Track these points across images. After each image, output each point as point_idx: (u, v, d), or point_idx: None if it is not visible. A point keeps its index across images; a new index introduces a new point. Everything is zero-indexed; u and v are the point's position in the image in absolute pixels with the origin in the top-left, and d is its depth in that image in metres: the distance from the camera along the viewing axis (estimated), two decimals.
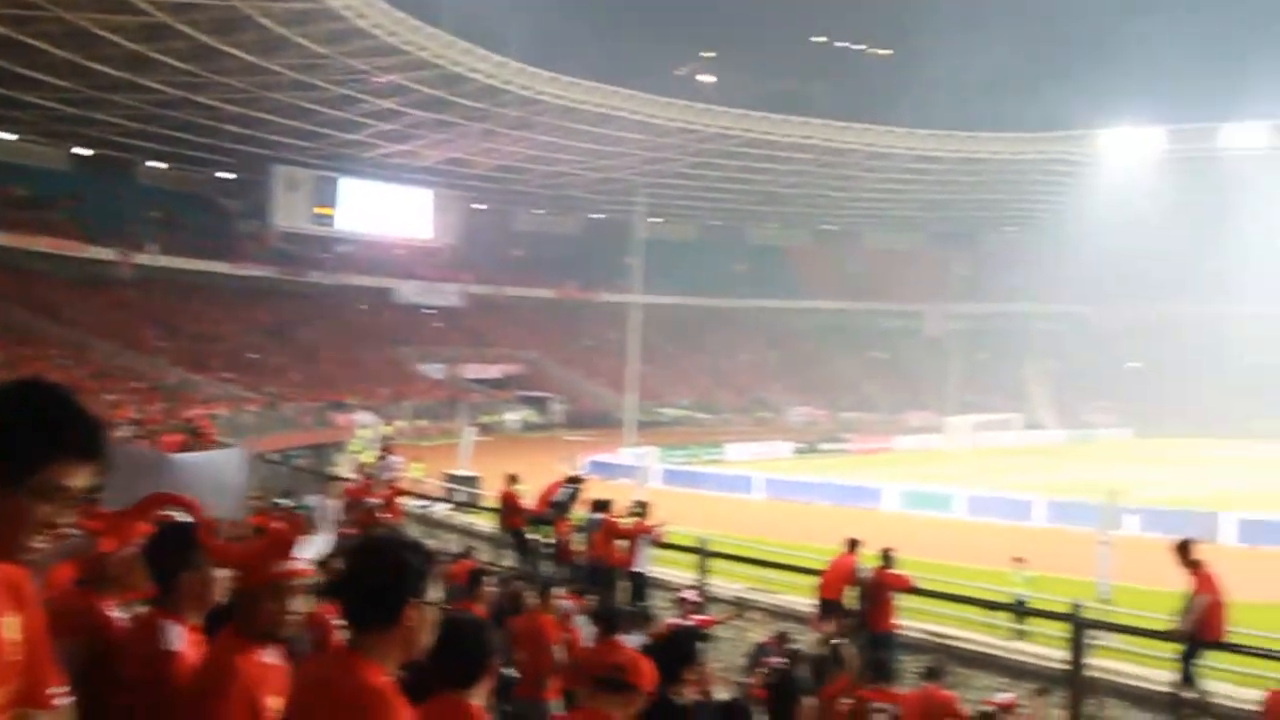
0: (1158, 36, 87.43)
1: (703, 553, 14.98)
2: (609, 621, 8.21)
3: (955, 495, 36.71)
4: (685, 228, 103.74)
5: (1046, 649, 12.63)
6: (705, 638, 9.34)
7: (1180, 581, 10.97)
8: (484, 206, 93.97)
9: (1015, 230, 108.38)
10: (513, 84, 67.71)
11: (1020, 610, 16.31)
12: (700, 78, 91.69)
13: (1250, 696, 11.36)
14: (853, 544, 12.93)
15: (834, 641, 9.77)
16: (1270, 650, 10.89)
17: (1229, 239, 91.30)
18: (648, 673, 4.18)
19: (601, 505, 15.61)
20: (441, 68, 63.11)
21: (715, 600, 14.25)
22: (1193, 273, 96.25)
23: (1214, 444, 74.32)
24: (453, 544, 18.14)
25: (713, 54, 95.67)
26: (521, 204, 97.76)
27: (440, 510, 24.19)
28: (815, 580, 13.00)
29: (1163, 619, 11.55)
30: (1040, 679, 11.92)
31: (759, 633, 12.31)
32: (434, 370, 74.76)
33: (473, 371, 77.36)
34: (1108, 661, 13.45)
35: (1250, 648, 10.90)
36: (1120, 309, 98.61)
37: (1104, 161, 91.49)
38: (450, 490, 30.35)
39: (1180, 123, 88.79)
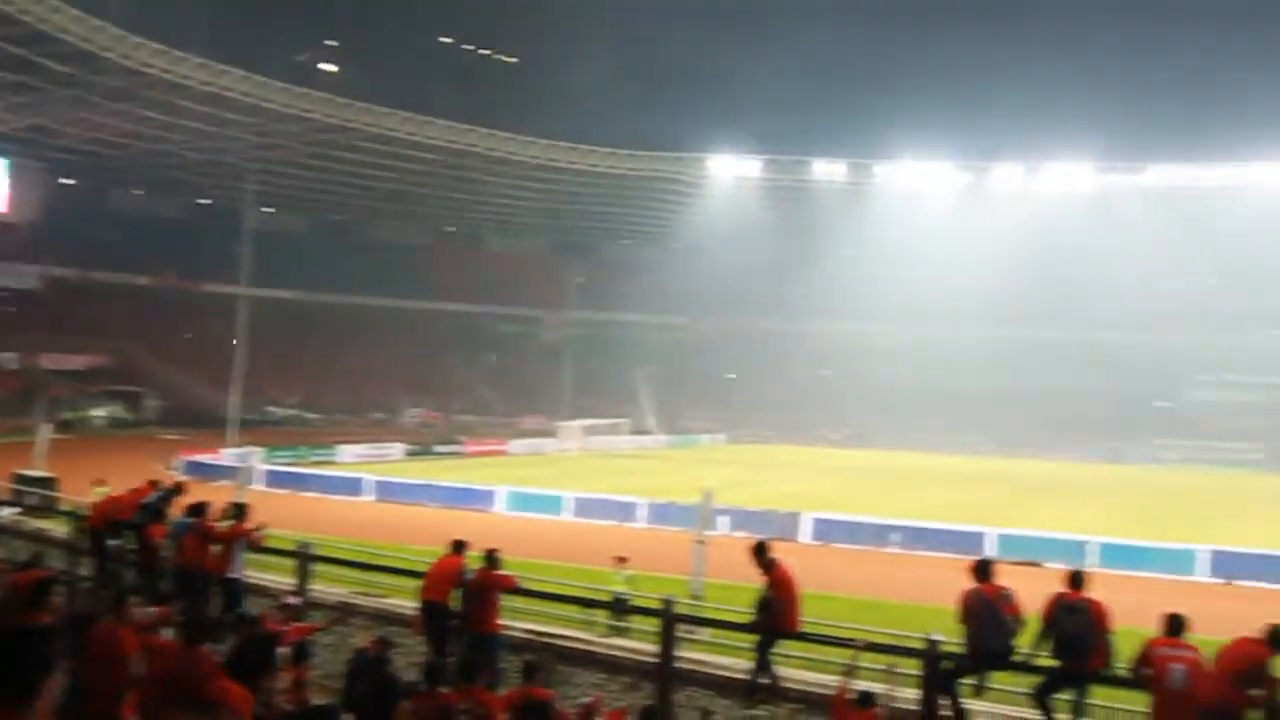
0: (765, 73, 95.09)
1: (304, 557, 14.28)
2: (194, 631, 7.92)
3: (564, 497, 37.60)
4: (300, 220, 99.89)
5: (643, 644, 13.06)
6: (278, 643, 8.95)
7: (758, 578, 11.71)
8: (72, 182, 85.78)
9: (630, 243, 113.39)
10: (112, 51, 62.00)
11: (618, 608, 16.84)
12: (322, 66, 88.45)
13: (820, 680, 12.33)
14: (458, 545, 12.77)
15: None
16: (836, 638, 11.84)
17: (814, 263, 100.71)
18: (235, 691, 3.82)
19: (196, 509, 14.55)
20: (26, 24, 56.68)
21: (317, 606, 13.65)
22: (783, 292, 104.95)
23: (796, 450, 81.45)
24: (21, 552, 16.46)
25: (336, 43, 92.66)
26: (119, 183, 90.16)
27: (6, 514, 21.74)
28: (420, 583, 12.73)
29: (746, 613, 12.27)
30: (635, 673, 12.33)
31: (361, 638, 11.89)
32: (5, 360, 67.24)
33: (52, 362, 70.27)
34: (698, 654, 14.17)
35: (819, 636, 11.79)
36: (721, 322, 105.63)
37: (710, 184, 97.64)
38: (20, 493, 27.26)
39: (777, 153, 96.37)
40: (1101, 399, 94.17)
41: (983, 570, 10.49)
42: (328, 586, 15.21)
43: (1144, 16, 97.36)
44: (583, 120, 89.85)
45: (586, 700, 9.52)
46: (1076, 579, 10.27)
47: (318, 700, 9.13)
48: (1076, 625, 9.79)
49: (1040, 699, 9.91)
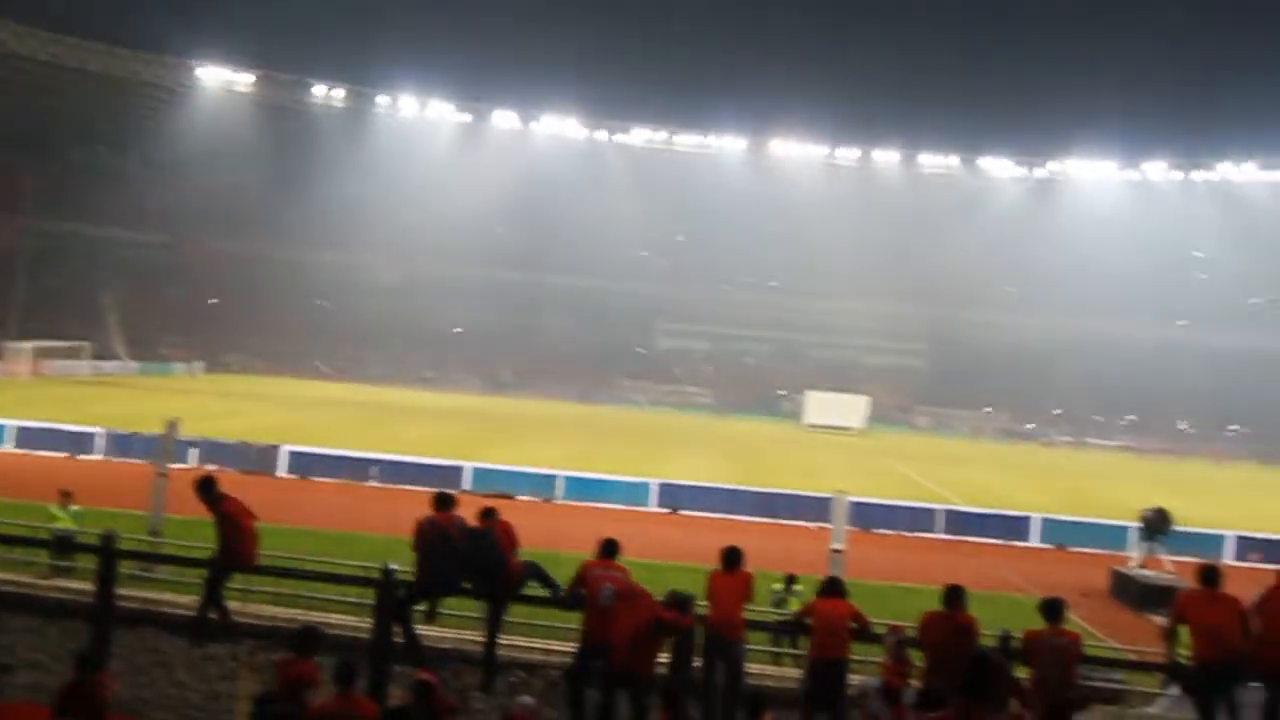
0: None
1: None
2: None
3: (4, 426, 33.45)
4: None
5: (91, 584, 11.96)
6: None
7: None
8: None
9: (104, 150, 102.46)
10: None
11: (59, 547, 15.35)
12: None
13: (285, 615, 12.01)
14: None
15: None
16: (299, 570, 11.58)
17: (311, 189, 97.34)
18: None
19: None
20: None
21: None
22: (277, 217, 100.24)
23: (284, 382, 78.86)
24: None
25: None
26: None
27: None
28: None
29: (207, 548, 11.63)
30: (78, 617, 11.26)
31: None
32: None
33: None
34: (154, 593, 13.25)
35: (279, 569, 11.46)
36: (206, 244, 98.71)
37: (199, 94, 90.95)
38: None
39: (274, 70, 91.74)
40: (581, 343, 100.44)
41: (442, 501, 10.72)
42: None
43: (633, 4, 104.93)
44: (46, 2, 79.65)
45: None
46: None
47: None
48: (480, 548, 10.32)
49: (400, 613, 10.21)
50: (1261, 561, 23.75)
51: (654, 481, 32.49)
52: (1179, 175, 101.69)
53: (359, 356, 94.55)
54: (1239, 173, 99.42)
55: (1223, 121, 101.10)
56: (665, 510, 30.75)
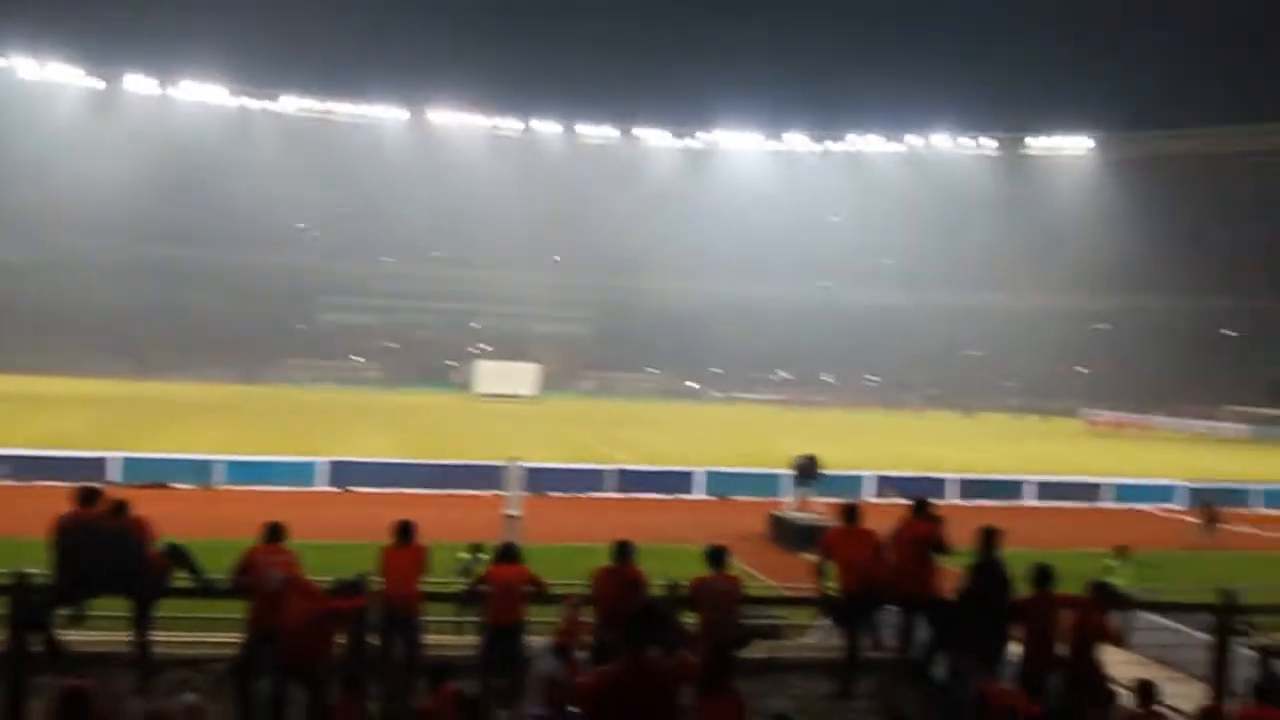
0: None
1: None
2: None
3: None
4: None
5: None
6: None
7: None
8: None
9: None
10: None
11: None
12: None
13: None
14: None
15: None
16: None
17: None
18: None
19: None
20: None
21: None
22: None
23: None
24: None
25: None
26: None
27: None
28: None
29: None
30: None
31: None
32: None
33: None
34: None
35: None
36: None
37: None
38: None
39: None
40: (239, 321, 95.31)
41: (86, 497, 9.93)
42: None
43: None
44: None
45: None
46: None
47: None
48: (114, 544, 9.62)
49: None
50: (897, 498, 26.08)
51: (322, 460, 31.46)
52: (818, 145, 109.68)
53: None
54: (868, 143, 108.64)
55: (853, 96, 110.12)
56: (335, 489, 29.88)
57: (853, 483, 30.34)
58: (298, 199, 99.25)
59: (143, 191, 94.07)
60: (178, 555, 9.81)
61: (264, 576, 9.12)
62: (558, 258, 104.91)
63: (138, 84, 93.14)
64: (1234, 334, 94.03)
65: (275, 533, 9.62)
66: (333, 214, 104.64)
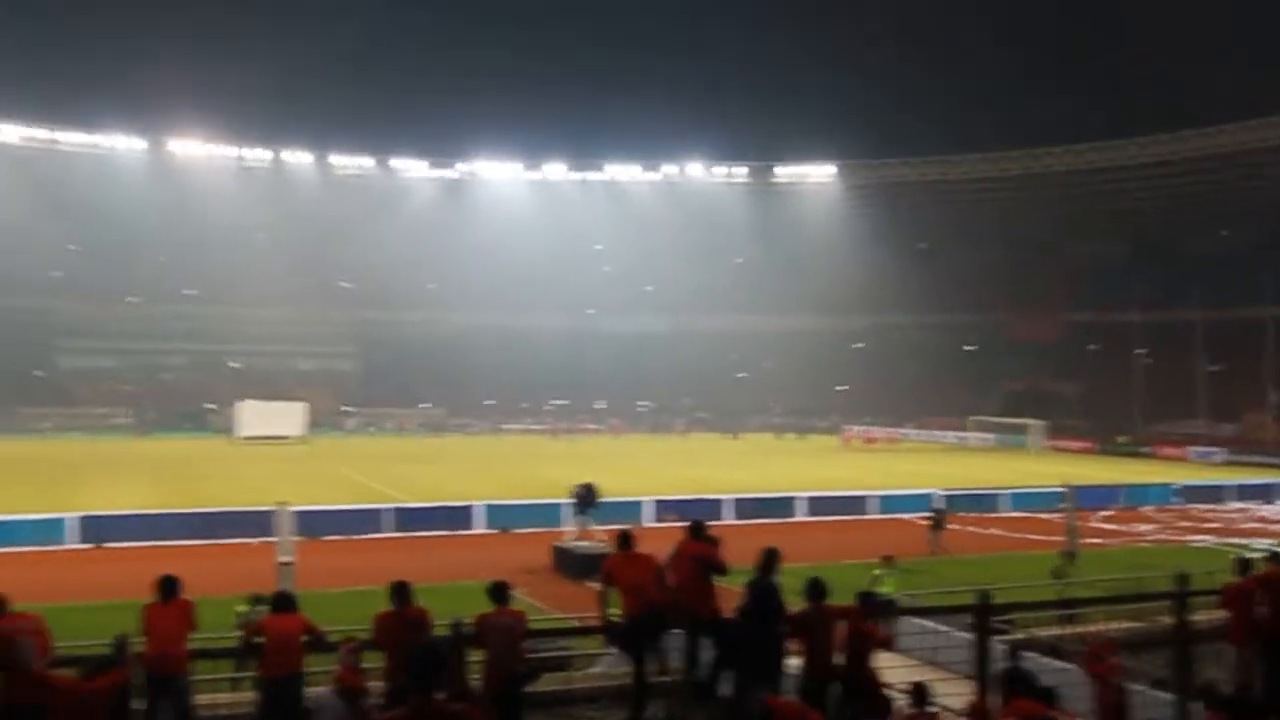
0: None
1: None
2: None
3: None
4: None
5: None
6: None
7: None
8: None
9: None
10: None
11: None
12: None
13: None
14: None
15: None
16: None
17: None
18: None
19: None
20: None
21: None
22: None
23: None
24: None
25: None
26: None
27: None
28: None
29: None
30: None
31: None
32: None
33: None
34: None
35: None
36: None
37: None
38: None
39: None
40: None
41: None
42: None
43: None
44: None
45: None
46: None
47: None
48: None
49: None
50: (676, 521, 26.60)
51: (71, 516, 29.32)
52: (577, 175, 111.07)
53: None
54: (625, 173, 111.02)
55: (610, 128, 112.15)
56: (88, 545, 27.92)
57: (631, 508, 30.76)
58: (24, 235, 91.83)
59: None
60: None
61: (15, 649, 8.38)
62: (348, 284, 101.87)
63: None
64: (974, 349, 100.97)
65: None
66: (65, 252, 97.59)
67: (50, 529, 28.53)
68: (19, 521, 29.09)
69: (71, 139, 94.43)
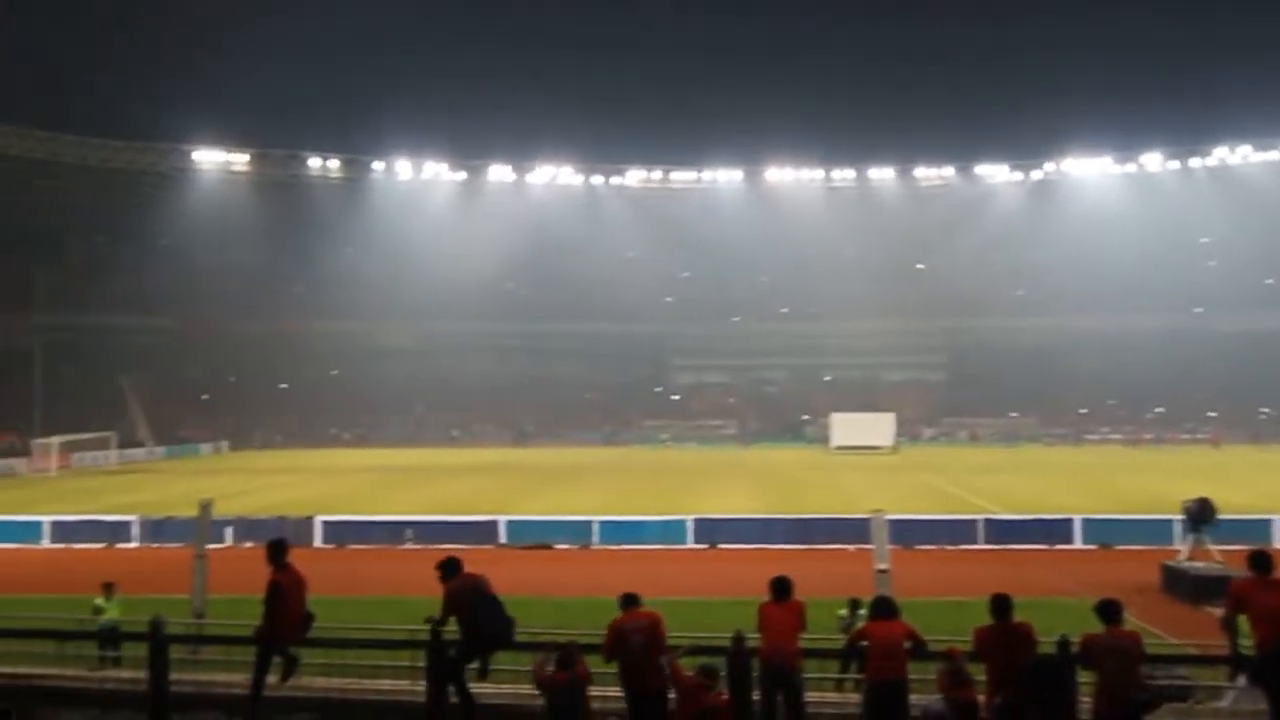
0: (252, 64, 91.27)
1: None
2: None
3: (42, 522, 33.65)
4: None
5: (141, 673, 11.97)
6: None
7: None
8: None
9: (105, 240, 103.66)
10: None
11: (105, 637, 15.36)
12: None
13: (338, 685, 11.93)
14: None
15: None
16: (345, 640, 11.46)
17: (313, 260, 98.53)
18: None
19: None
20: None
21: None
22: (282, 291, 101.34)
23: (308, 454, 79.03)
24: None
25: None
26: None
27: None
28: None
29: (247, 625, 11.59)
30: (132, 705, 11.26)
31: None
32: None
33: None
34: (205, 675, 13.22)
35: (327, 640, 11.39)
36: (215, 324, 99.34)
37: (195, 177, 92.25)
38: None
39: (267, 147, 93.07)
40: (599, 387, 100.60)
41: (449, 567, 10.67)
42: None
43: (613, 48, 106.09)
44: (37, 102, 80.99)
45: None
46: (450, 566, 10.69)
47: None
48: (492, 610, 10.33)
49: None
50: None
51: (689, 518, 32.29)
52: (1176, 164, 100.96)
53: (377, 421, 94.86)
54: (1236, 156, 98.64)
55: (1215, 107, 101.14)
56: (703, 546, 30.57)
57: (1257, 527, 27.56)
58: (646, 267, 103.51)
59: (508, 272, 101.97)
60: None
61: (628, 642, 9.54)
62: (899, 303, 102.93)
63: (498, 173, 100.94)
64: None
65: (631, 600, 10.00)
66: (679, 279, 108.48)
67: (673, 530, 31.54)
68: (647, 522, 32.60)
69: (680, 177, 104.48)
